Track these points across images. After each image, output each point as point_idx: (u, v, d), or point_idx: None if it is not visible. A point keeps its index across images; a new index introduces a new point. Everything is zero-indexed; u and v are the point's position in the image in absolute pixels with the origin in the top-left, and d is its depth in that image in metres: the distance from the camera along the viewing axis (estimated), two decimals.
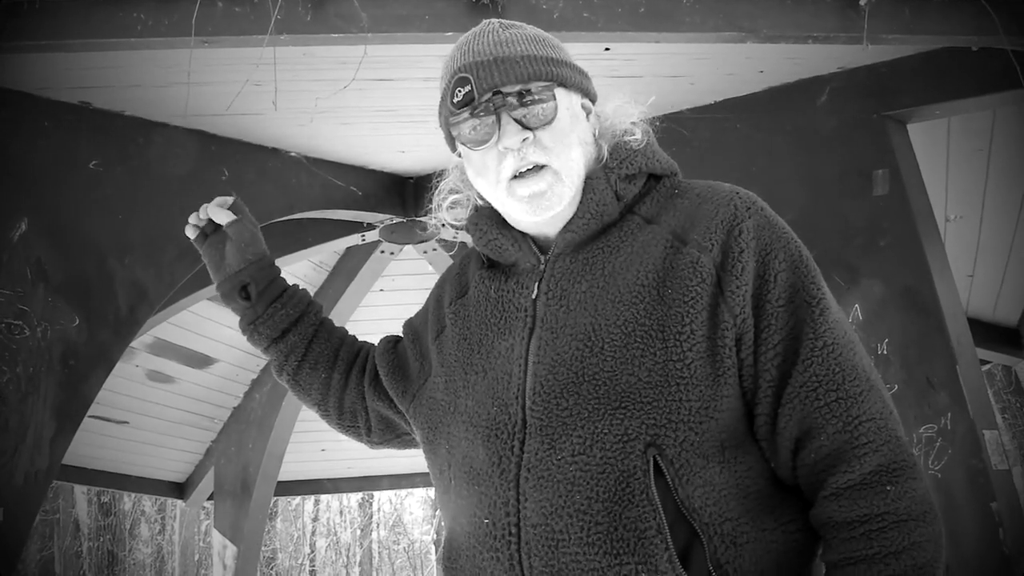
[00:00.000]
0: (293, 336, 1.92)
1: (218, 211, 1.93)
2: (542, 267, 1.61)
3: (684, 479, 1.41)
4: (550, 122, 1.55)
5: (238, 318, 1.96)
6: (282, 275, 1.98)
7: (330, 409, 1.96)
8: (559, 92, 1.58)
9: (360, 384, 1.93)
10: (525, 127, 1.54)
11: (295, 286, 1.98)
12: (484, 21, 1.65)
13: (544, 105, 1.55)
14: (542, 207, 1.56)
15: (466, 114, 1.56)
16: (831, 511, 1.40)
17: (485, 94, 1.54)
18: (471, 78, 1.55)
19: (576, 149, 1.58)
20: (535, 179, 1.55)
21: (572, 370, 1.48)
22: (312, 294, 6.28)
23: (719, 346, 1.45)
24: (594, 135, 1.64)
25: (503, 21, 1.64)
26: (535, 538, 1.43)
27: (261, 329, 1.92)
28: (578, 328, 1.50)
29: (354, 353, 1.97)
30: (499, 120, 1.54)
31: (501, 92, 1.54)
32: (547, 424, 1.47)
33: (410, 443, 1.95)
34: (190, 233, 1.99)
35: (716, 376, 1.45)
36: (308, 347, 1.93)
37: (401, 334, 1.93)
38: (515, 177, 1.56)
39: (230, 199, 1.97)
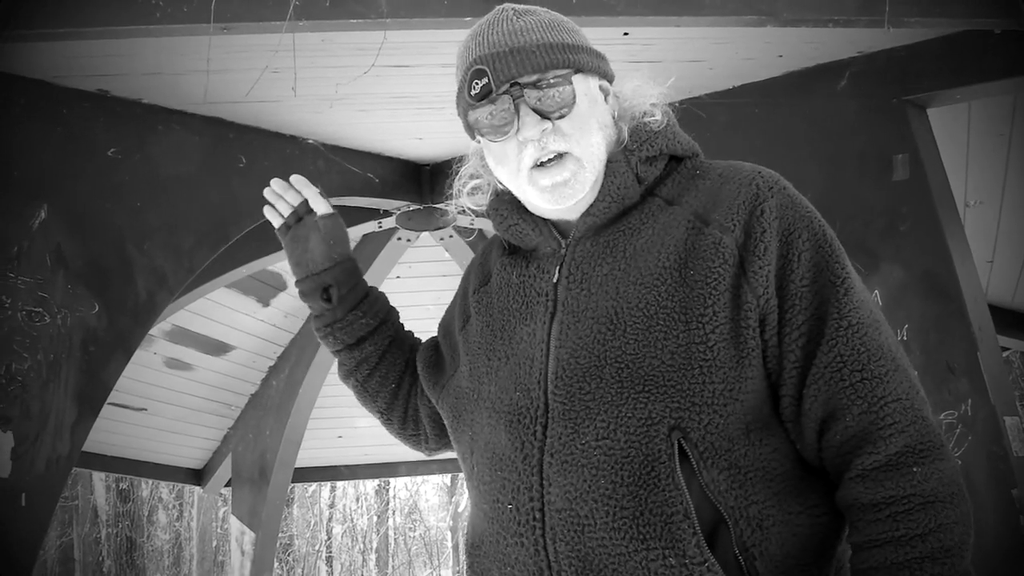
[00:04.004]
0: (369, 345, 1.87)
1: (318, 199, 1.86)
2: (563, 251, 1.60)
3: (709, 462, 1.41)
4: (569, 110, 1.55)
5: (313, 314, 1.90)
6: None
7: (394, 418, 1.93)
8: (577, 78, 1.57)
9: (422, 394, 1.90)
10: (544, 116, 1.54)
11: (374, 290, 1.92)
12: (498, 7, 1.64)
13: (563, 94, 1.54)
14: (564, 196, 1.56)
15: (484, 106, 1.56)
16: (857, 493, 1.40)
17: (503, 86, 1.54)
18: (488, 70, 1.54)
19: (596, 134, 1.58)
20: (557, 169, 1.55)
21: (594, 354, 1.47)
22: None
23: (742, 327, 1.45)
24: (613, 116, 1.63)
25: (517, 7, 1.63)
26: (560, 523, 1.43)
27: (338, 334, 1.87)
28: (600, 311, 1.50)
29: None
30: (518, 111, 1.53)
31: (519, 83, 1.53)
32: (570, 409, 1.46)
33: None
34: (273, 220, 1.91)
35: (740, 358, 1.44)
36: (381, 357, 1.89)
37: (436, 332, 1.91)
38: (536, 166, 1.55)
39: (316, 187, 1.88)
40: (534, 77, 1.54)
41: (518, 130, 1.54)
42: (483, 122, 1.57)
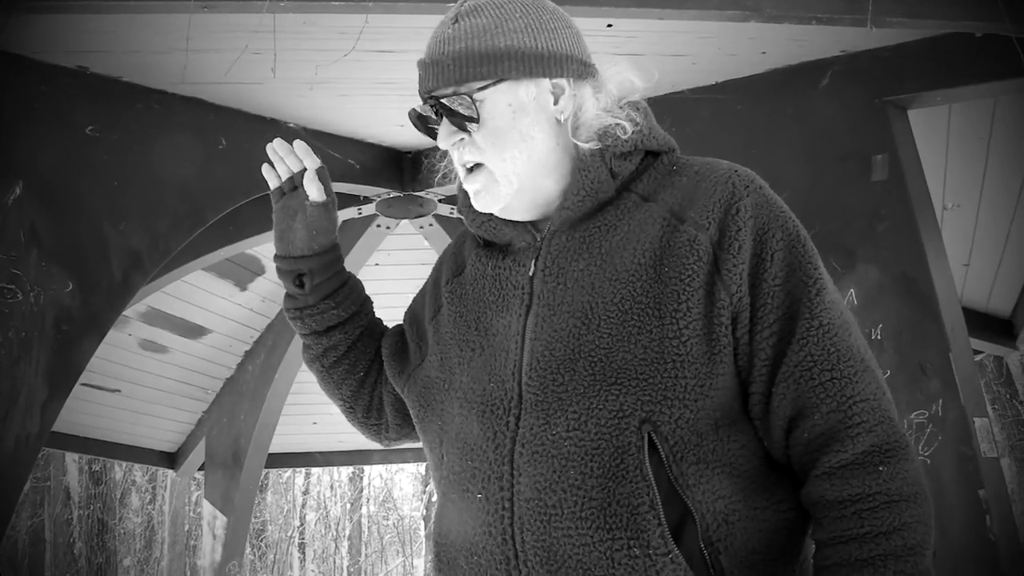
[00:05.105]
0: (338, 334, 1.84)
1: (312, 182, 1.78)
2: (539, 244, 1.60)
3: (678, 456, 1.41)
4: (478, 125, 1.55)
5: (285, 293, 1.86)
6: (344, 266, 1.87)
7: (357, 408, 1.91)
8: (500, 88, 1.55)
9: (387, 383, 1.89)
10: (460, 128, 1.56)
11: (352, 279, 1.87)
12: (452, 7, 1.62)
13: (470, 109, 1.55)
14: (484, 204, 1.59)
15: (422, 109, 1.62)
16: (823, 490, 1.40)
17: (425, 95, 1.58)
18: (419, 77, 1.59)
19: (515, 147, 1.56)
20: (472, 178, 1.59)
21: (568, 346, 1.48)
22: None
23: (715, 324, 1.45)
24: (559, 119, 1.59)
25: (461, 9, 1.60)
26: (528, 513, 1.43)
27: (307, 320, 1.83)
28: (575, 306, 1.50)
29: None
30: (440, 120, 1.58)
31: (434, 96, 1.57)
32: (543, 400, 1.47)
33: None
34: (270, 181, 1.83)
35: (712, 354, 1.45)
36: (350, 348, 1.86)
37: (402, 320, 1.90)
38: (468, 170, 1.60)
39: (318, 162, 1.79)
40: (448, 90, 1.56)
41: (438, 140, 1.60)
42: (421, 125, 1.64)
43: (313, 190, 1.79)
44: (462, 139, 1.57)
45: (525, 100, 1.57)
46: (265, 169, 1.83)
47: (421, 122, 1.63)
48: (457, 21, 1.58)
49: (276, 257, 1.84)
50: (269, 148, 1.81)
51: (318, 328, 1.84)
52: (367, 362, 1.87)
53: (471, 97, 1.54)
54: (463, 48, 1.55)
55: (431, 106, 1.58)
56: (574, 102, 1.60)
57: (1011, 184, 4.69)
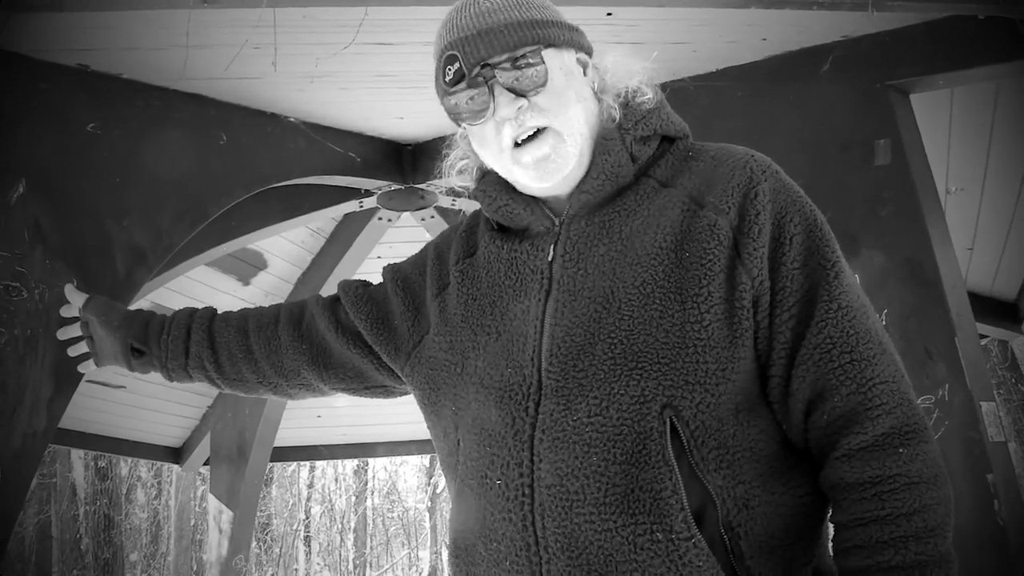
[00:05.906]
0: (193, 347, 2.11)
1: (72, 294, 2.43)
2: (557, 229, 1.60)
3: (699, 441, 1.42)
4: (543, 85, 1.55)
5: (159, 373, 2.21)
6: (151, 312, 2.26)
7: (272, 379, 2.02)
8: (549, 53, 1.57)
9: (295, 342, 1.98)
10: (519, 94, 1.54)
11: (173, 313, 2.24)
12: None
13: (534, 69, 1.55)
14: (549, 171, 1.57)
15: (460, 91, 1.57)
16: (843, 472, 1.41)
17: (474, 68, 1.55)
18: (459, 55, 1.56)
19: (575, 107, 1.58)
20: (538, 144, 1.56)
21: (589, 331, 1.48)
22: (309, 260, 6.24)
23: (736, 308, 1.46)
24: (593, 89, 1.64)
25: None
26: (549, 499, 1.43)
27: (170, 364, 2.15)
28: (596, 291, 1.51)
29: (269, 318, 2.05)
30: (492, 92, 1.54)
31: (489, 64, 1.54)
32: (563, 385, 1.47)
33: (376, 394, 1.96)
34: (87, 364, 2.37)
35: (733, 338, 1.45)
36: (212, 346, 2.09)
37: (381, 279, 1.91)
38: (517, 145, 1.56)
39: (69, 285, 2.30)
40: (504, 57, 1.55)
41: (494, 111, 1.55)
42: (460, 106, 1.59)
43: (75, 297, 2.47)
44: (520, 107, 1.55)
45: (570, 66, 1.61)
46: (72, 351, 2.45)
47: (458, 105, 1.59)
48: None
49: (129, 368, 2.28)
50: (62, 335, 2.51)
51: (182, 359, 2.15)
52: (239, 343, 2.08)
53: (541, 55, 1.55)
54: (507, 18, 1.56)
55: (484, 78, 1.55)
56: (597, 74, 1.64)
57: (1014, 167, 4.68)
